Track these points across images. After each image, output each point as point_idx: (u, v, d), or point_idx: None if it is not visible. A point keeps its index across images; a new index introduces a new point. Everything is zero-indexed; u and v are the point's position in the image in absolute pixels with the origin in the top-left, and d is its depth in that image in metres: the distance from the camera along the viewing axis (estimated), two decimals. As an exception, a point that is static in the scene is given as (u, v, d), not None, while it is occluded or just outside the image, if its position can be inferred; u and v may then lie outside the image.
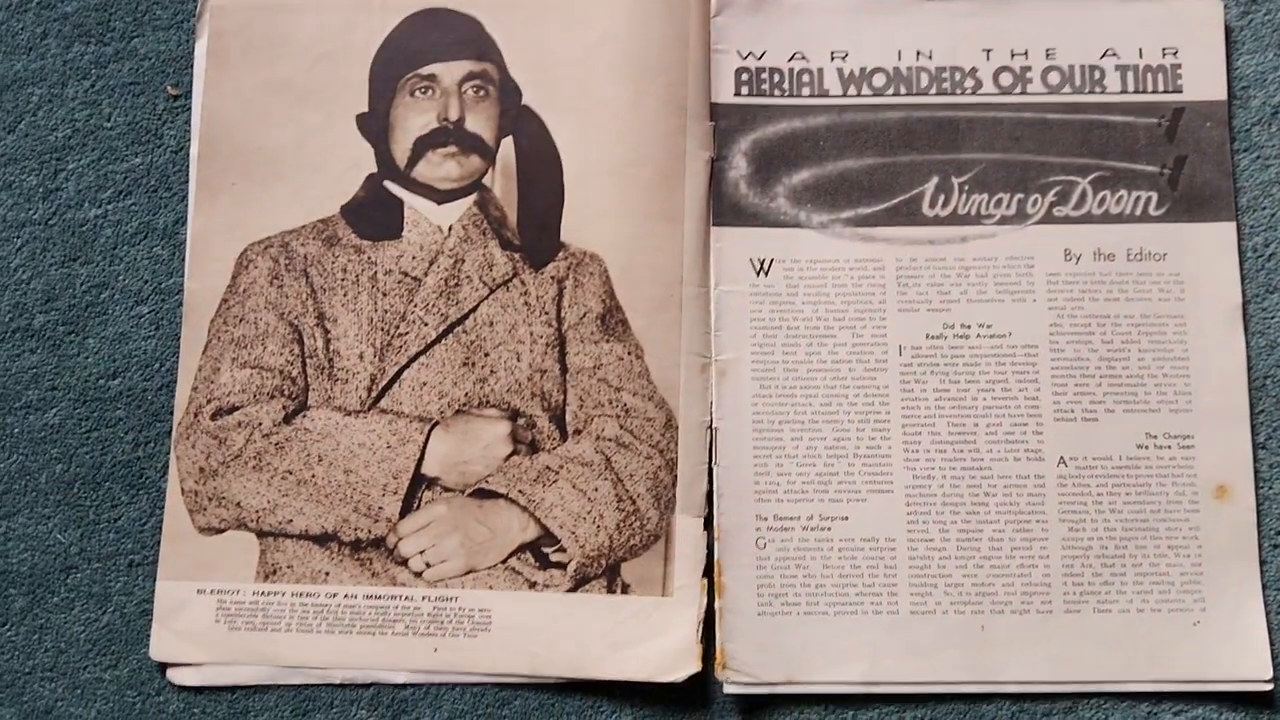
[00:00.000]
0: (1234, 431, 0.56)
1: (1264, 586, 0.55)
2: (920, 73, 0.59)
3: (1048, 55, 0.59)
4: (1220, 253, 0.57)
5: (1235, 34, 0.59)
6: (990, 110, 0.58)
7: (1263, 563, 0.55)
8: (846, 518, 0.55)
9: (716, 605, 0.55)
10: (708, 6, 0.59)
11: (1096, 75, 0.59)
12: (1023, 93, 0.59)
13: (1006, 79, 0.59)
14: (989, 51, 0.59)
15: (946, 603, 0.55)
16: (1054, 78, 0.59)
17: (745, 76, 0.59)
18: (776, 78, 0.59)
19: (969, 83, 0.59)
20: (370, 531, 0.56)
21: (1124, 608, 0.54)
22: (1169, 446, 0.56)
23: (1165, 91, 0.58)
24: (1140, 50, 0.59)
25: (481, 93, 0.59)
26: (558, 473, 0.56)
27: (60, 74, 0.60)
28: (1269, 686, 0.54)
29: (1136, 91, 0.58)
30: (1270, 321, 0.57)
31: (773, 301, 0.57)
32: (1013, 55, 0.59)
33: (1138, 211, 0.58)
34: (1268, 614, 0.54)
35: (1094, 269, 0.57)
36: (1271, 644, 0.54)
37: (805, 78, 0.59)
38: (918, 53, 0.59)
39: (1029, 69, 0.59)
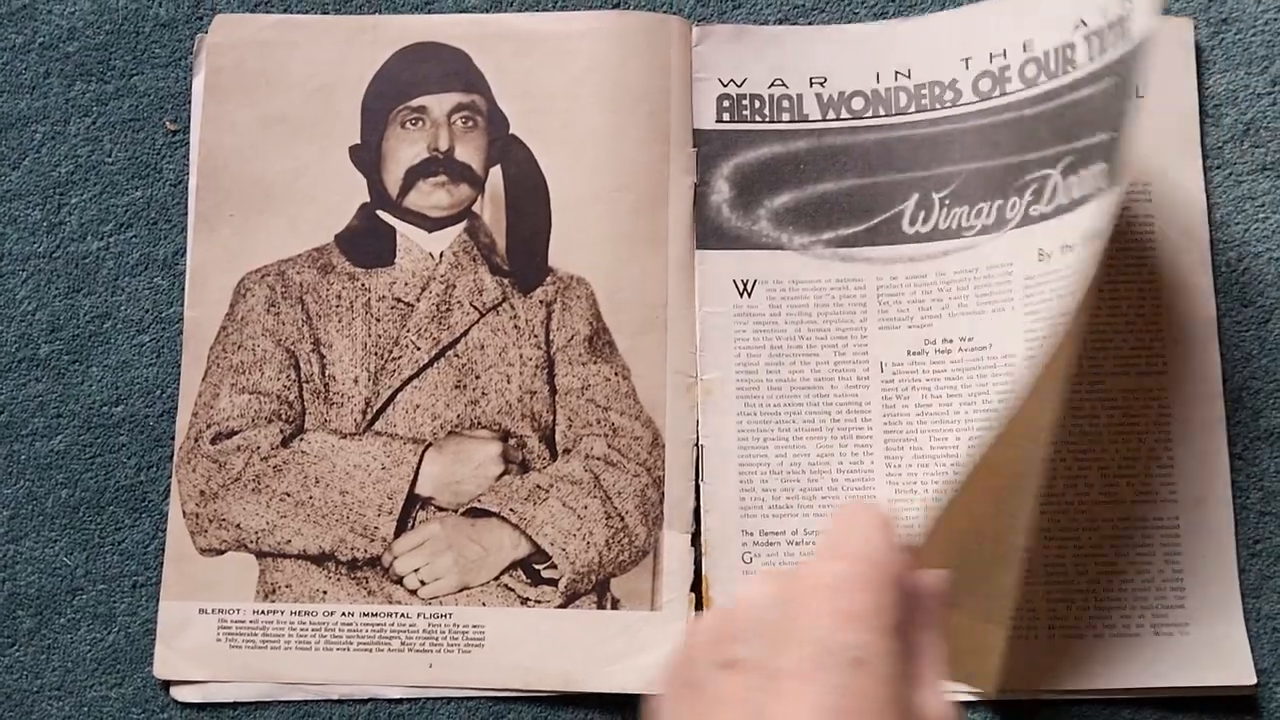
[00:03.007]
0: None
1: (1243, 594, 0.56)
2: (899, 92, 0.60)
3: (1025, 49, 0.59)
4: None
5: (1206, 53, 0.61)
6: (970, 119, 0.59)
7: (1241, 570, 0.56)
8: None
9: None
10: (689, 36, 0.61)
11: (1068, 53, 0.58)
12: (1002, 94, 0.59)
13: (986, 84, 0.59)
14: (968, 60, 0.60)
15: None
16: (1031, 70, 0.59)
17: (726, 103, 0.60)
18: (757, 104, 0.60)
19: (949, 95, 0.60)
20: (366, 551, 0.57)
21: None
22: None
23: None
24: (1104, 10, 0.56)
25: (470, 123, 0.61)
26: (548, 491, 0.57)
27: (63, 111, 0.62)
28: (1252, 691, 0.55)
29: (1101, 53, 0.56)
30: (1244, 335, 0.58)
31: (756, 322, 0.58)
32: (991, 58, 0.60)
33: (1101, 186, 0.56)
34: (1247, 621, 0.55)
35: (1061, 264, 0.57)
36: (1252, 650, 0.55)
37: (785, 103, 0.60)
38: (896, 73, 0.60)
39: (1007, 68, 0.59)
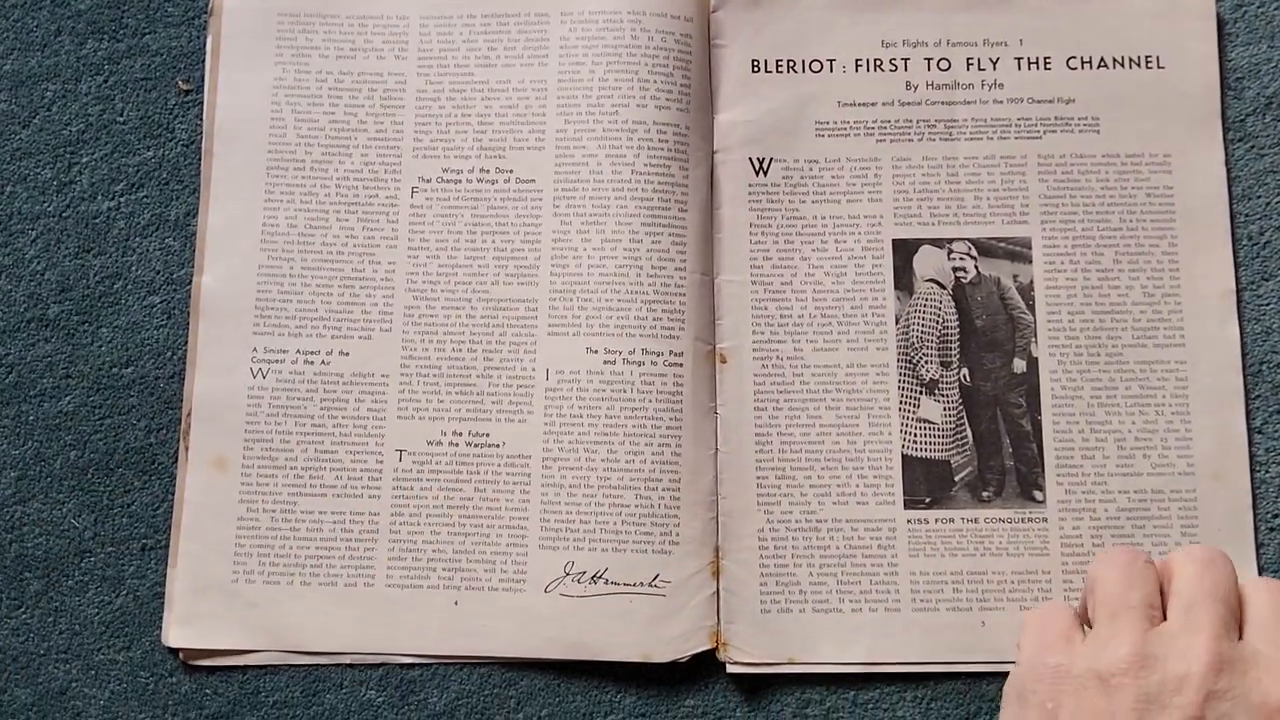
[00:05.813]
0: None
1: (1261, 569, 0.55)
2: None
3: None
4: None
5: (1229, 26, 0.60)
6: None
7: (1259, 545, 0.56)
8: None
9: (719, 588, 0.55)
10: (707, 1, 0.60)
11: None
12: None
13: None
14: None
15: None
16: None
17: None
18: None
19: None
20: (378, 516, 0.57)
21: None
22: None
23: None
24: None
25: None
26: (562, 458, 0.57)
27: (74, 70, 0.61)
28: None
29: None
30: (1265, 308, 0.58)
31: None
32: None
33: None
34: (1264, 596, 0.55)
35: None
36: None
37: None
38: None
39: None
